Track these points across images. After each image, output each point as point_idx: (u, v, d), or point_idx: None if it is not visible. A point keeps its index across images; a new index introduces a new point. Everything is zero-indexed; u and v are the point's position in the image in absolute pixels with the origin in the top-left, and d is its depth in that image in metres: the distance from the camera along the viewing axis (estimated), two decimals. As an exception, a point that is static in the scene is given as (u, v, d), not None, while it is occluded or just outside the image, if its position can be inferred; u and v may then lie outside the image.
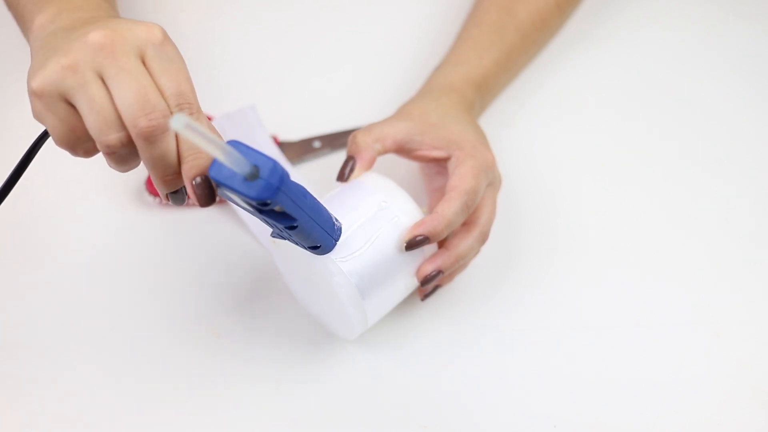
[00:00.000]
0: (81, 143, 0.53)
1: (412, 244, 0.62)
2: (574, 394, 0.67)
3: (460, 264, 0.66)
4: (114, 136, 0.50)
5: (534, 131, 0.81)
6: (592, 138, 0.82)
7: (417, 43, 0.85)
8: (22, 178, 0.68)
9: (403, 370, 0.68)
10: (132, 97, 0.50)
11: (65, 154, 0.73)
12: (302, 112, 0.80)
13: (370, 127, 0.66)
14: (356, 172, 0.65)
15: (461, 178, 0.64)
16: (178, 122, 0.44)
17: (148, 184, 0.72)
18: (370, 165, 0.65)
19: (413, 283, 0.65)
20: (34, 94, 0.51)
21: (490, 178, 0.67)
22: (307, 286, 0.66)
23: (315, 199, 0.56)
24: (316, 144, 0.77)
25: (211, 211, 0.73)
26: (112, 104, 0.50)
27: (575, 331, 0.70)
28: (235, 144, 0.48)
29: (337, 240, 0.60)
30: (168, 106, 0.51)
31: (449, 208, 0.63)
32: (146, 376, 0.66)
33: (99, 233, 0.72)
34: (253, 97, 0.77)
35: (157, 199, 0.72)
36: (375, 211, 0.63)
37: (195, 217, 0.73)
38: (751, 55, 0.87)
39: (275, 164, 0.48)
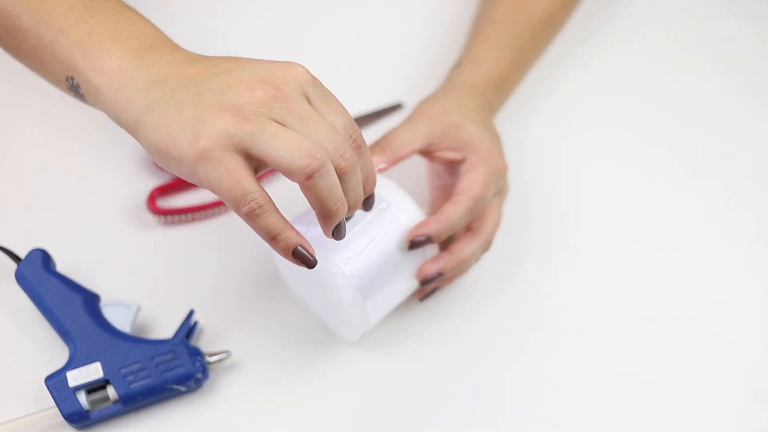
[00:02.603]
0: (246, 194, 0.50)
1: (414, 244, 0.62)
2: (575, 395, 0.67)
3: (460, 268, 0.66)
4: (317, 162, 0.50)
5: (536, 132, 0.81)
6: (594, 138, 0.81)
7: (416, 37, 0.86)
8: (23, 198, 0.72)
9: (403, 370, 0.67)
10: (325, 142, 0.51)
11: (64, 176, 0.74)
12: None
13: (388, 137, 0.66)
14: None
15: (471, 184, 0.64)
16: None
17: (150, 202, 0.73)
18: (386, 169, 0.66)
19: (414, 284, 0.65)
20: (202, 156, 0.50)
21: (500, 186, 0.67)
22: (308, 287, 0.65)
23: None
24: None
25: (209, 224, 0.74)
26: (304, 138, 0.50)
27: (576, 332, 0.70)
28: None
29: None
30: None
31: (454, 212, 0.63)
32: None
33: (100, 252, 0.71)
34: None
35: (157, 218, 0.73)
36: (376, 212, 0.63)
37: (194, 233, 0.73)
38: (754, 57, 0.87)
39: None
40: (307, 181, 0.50)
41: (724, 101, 0.84)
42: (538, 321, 0.70)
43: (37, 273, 0.65)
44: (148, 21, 0.57)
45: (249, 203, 0.50)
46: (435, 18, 0.87)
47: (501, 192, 0.68)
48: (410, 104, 0.81)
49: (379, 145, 0.65)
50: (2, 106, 0.79)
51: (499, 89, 0.73)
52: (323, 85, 0.54)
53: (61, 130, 0.77)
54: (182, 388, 0.63)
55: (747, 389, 0.67)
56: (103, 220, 0.73)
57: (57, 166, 0.76)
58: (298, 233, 0.53)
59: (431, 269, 0.64)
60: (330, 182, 0.51)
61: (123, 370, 0.62)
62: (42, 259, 0.65)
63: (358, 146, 0.53)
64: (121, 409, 0.62)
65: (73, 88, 0.56)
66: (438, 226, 0.62)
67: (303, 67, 0.53)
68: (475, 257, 0.66)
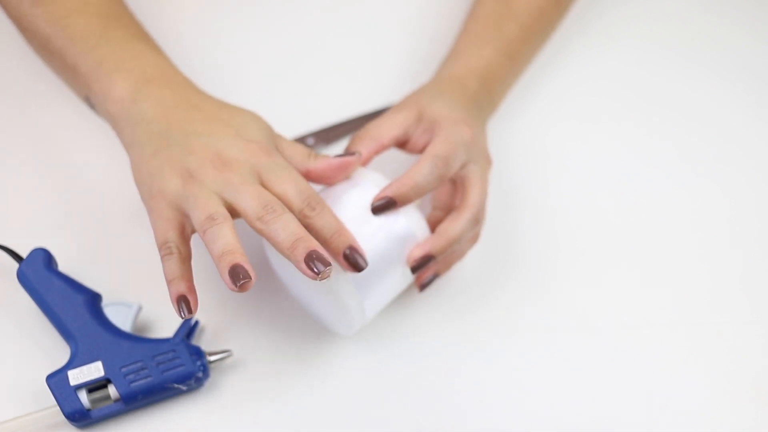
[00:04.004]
0: (174, 242, 0.58)
1: (378, 208, 0.63)
2: (575, 395, 0.67)
3: (454, 250, 0.66)
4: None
5: (537, 132, 0.81)
6: (594, 139, 0.81)
7: (409, 38, 0.86)
8: (25, 197, 0.73)
9: (402, 370, 0.67)
10: (250, 212, 0.57)
11: (66, 175, 0.75)
12: (293, 110, 0.80)
13: (367, 128, 0.67)
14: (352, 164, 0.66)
15: (434, 145, 0.65)
16: None
17: None
18: (366, 161, 0.66)
19: (409, 273, 0.65)
20: (152, 197, 0.59)
21: (471, 155, 0.66)
22: (303, 284, 0.65)
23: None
24: (310, 141, 0.77)
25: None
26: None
27: (576, 332, 0.70)
28: None
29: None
30: (293, 206, 0.59)
31: (418, 171, 0.63)
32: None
33: (101, 252, 0.71)
34: (242, 98, 0.76)
35: None
36: (367, 205, 0.63)
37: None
38: (754, 59, 0.87)
39: None
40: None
41: (725, 103, 0.84)
42: (538, 319, 0.70)
43: (39, 272, 0.65)
44: (154, 49, 0.67)
45: (166, 248, 0.58)
46: (434, 20, 0.87)
47: (477, 162, 0.67)
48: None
49: (358, 136, 0.67)
50: (2, 107, 0.79)
51: (486, 78, 0.74)
52: (280, 159, 0.60)
53: (62, 129, 0.77)
54: (183, 388, 0.63)
55: (748, 389, 0.67)
56: (105, 219, 0.73)
57: (58, 165, 0.76)
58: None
59: (418, 253, 0.64)
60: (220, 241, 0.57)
61: (124, 369, 0.62)
62: (43, 258, 0.65)
63: (312, 208, 0.59)
64: (122, 408, 0.63)
65: (91, 105, 0.67)
66: (398, 186, 0.63)
67: (260, 143, 0.60)
68: (466, 234, 0.65)
